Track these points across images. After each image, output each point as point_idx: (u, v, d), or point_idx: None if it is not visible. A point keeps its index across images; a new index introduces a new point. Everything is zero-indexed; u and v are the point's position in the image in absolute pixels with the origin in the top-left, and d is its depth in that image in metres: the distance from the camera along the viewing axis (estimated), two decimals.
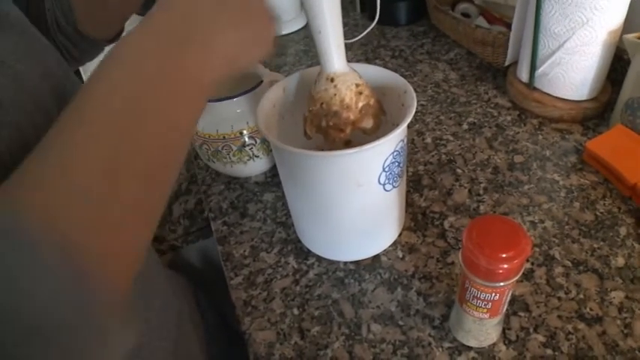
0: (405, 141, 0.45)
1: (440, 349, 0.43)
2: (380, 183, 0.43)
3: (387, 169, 0.43)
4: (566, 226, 0.52)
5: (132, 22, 0.70)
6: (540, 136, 0.64)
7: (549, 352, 0.41)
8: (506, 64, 0.73)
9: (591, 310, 0.44)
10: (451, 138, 0.66)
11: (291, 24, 0.99)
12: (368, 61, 0.87)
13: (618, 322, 0.43)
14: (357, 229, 0.48)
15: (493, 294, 0.36)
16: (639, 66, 0.56)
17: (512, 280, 0.35)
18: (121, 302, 0.24)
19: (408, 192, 0.58)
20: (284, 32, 0.97)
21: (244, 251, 0.55)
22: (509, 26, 0.73)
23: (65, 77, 0.36)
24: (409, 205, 0.57)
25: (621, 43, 0.58)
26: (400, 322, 0.45)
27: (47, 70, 0.34)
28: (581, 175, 0.58)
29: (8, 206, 0.21)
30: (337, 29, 0.41)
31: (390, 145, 0.42)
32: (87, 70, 0.76)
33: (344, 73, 0.43)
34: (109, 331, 0.23)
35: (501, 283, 0.35)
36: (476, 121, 0.69)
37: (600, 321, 0.43)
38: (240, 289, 0.51)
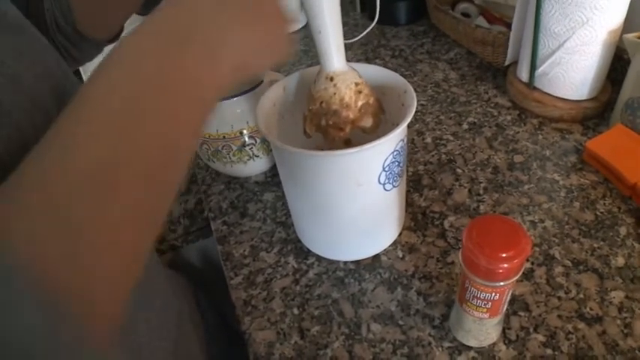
0: (405, 141, 0.45)
1: (440, 349, 0.43)
2: (380, 182, 0.43)
3: (387, 169, 0.43)
4: (566, 226, 0.52)
5: (132, 22, 0.70)
6: (540, 136, 0.64)
7: (549, 351, 0.41)
8: (506, 63, 0.73)
9: (591, 309, 0.44)
10: (451, 138, 0.66)
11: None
12: (368, 60, 0.87)
13: (618, 321, 0.43)
14: (357, 229, 0.48)
15: (493, 294, 0.36)
16: (639, 65, 0.56)
17: (512, 280, 0.35)
18: (109, 331, 0.23)
19: (408, 192, 0.58)
20: None
21: (244, 251, 0.55)
22: (509, 26, 0.73)
23: (64, 77, 0.36)
24: (409, 204, 0.57)
25: (621, 43, 0.58)
26: (400, 322, 0.45)
27: (46, 70, 0.34)
28: (581, 174, 0.58)
29: None
30: (337, 29, 0.41)
31: (390, 145, 0.42)
32: (87, 70, 0.76)
33: (343, 72, 0.43)
34: None
35: (501, 283, 0.35)
36: (476, 120, 0.69)
37: (600, 321, 0.43)
38: (240, 289, 0.51)
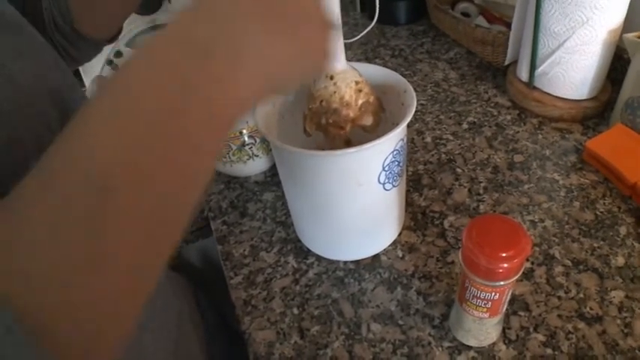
0: (405, 140, 0.45)
1: (440, 349, 0.43)
2: (380, 182, 0.43)
3: (386, 169, 0.43)
4: (566, 226, 0.52)
5: (130, 22, 0.70)
6: (540, 136, 0.64)
7: (549, 351, 0.41)
8: (506, 63, 0.73)
9: (591, 309, 0.44)
10: (451, 137, 0.66)
11: None
12: (368, 60, 0.87)
13: (618, 321, 0.43)
14: (357, 229, 0.48)
15: (493, 293, 0.36)
16: (639, 65, 0.56)
17: (512, 280, 0.35)
18: None
19: (407, 191, 0.58)
20: None
21: (244, 251, 0.55)
22: (509, 25, 0.73)
23: (63, 77, 0.36)
24: (409, 204, 0.57)
25: (621, 43, 0.58)
26: (400, 322, 0.45)
27: (44, 70, 0.34)
28: (581, 174, 0.58)
29: None
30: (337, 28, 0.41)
31: (389, 144, 0.42)
32: (86, 70, 0.76)
33: (343, 71, 0.42)
34: None
35: (501, 283, 0.35)
36: (476, 120, 0.69)
37: (600, 320, 0.43)
38: (240, 289, 0.51)
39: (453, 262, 0.50)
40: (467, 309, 0.39)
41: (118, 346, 0.21)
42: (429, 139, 0.67)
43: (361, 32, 0.92)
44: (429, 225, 0.54)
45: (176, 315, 0.51)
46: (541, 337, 0.42)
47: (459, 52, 0.86)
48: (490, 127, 0.67)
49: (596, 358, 0.41)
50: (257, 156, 0.61)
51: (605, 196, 0.55)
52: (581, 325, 0.43)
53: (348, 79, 0.42)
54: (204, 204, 0.63)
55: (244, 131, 0.58)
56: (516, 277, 0.35)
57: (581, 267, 0.48)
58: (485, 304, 0.37)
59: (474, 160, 0.62)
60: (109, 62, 0.75)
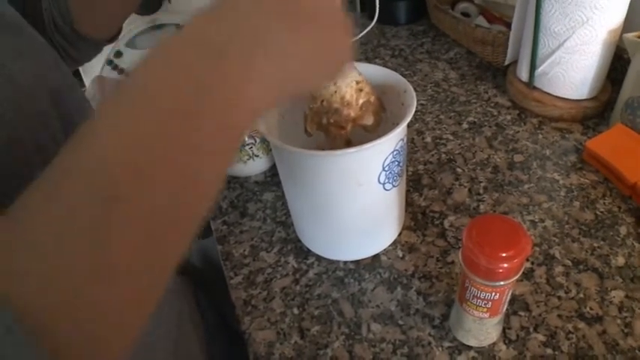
0: (405, 140, 0.45)
1: (440, 349, 0.43)
2: (380, 182, 0.43)
3: (386, 169, 0.43)
4: (566, 226, 0.52)
5: (131, 22, 0.70)
6: (540, 136, 0.64)
7: (549, 351, 0.41)
8: (506, 63, 0.73)
9: (591, 309, 0.44)
10: (451, 137, 0.66)
11: None
12: (368, 60, 0.87)
13: (618, 321, 0.43)
14: (357, 229, 0.48)
15: (493, 293, 0.36)
16: (639, 65, 0.56)
17: (512, 280, 0.35)
18: None
19: (407, 191, 0.58)
20: None
21: (244, 251, 0.55)
22: (509, 25, 0.73)
23: (63, 77, 0.36)
24: (409, 204, 0.57)
25: (621, 42, 0.58)
26: (400, 322, 0.45)
27: (44, 70, 0.34)
28: (581, 174, 0.58)
29: None
30: None
31: (389, 144, 0.42)
32: (86, 70, 0.76)
33: None
34: None
35: (501, 283, 0.35)
36: (476, 120, 0.69)
37: (600, 320, 0.43)
38: (240, 289, 0.51)
39: (453, 262, 0.50)
40: (467, 309, 0.39)
41: (123, 354, 0.21)
42: (429, 139, 0.67)
43: (361, 32, 0.92)
44: (429, 225, 0.54)
45: (176, 315, 0.51)
46: (541, 337, 0.42)
47: (459, 52, 0.86)
48: (490, 127, 0.67)
49: (596, 358, 0.41)
50: (257, 156, 0.61)
51: (605, 196, 0.55)
52: (582, 325, 0.43)
53: (349, 78, 0.42)
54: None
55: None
56: (516, 277, 0.35)
57: (581, 267, 0.48)
58: (485, 304, 0.37)
59: (474, 160, 0.62)
60: (109, 62, 0.75)
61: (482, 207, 0.55)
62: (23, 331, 0.17)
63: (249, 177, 0.65)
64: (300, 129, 0.47)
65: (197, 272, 0.76)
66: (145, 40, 0.74)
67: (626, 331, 0.42)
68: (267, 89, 0.23)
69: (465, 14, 0.90)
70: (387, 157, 0.42)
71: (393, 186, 0.46)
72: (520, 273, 0.35)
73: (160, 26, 0.73)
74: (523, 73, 0.68)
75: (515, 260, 0.33)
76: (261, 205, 0.60)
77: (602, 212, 0.53)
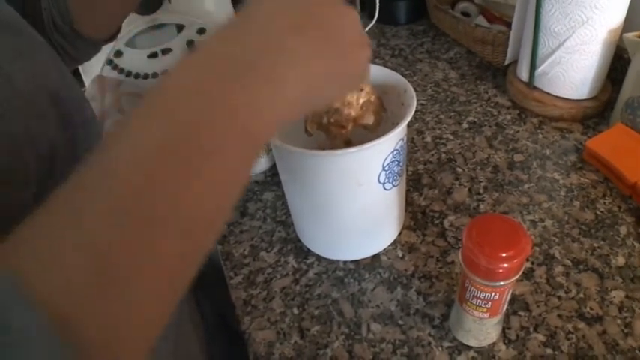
0: (405, 140, 0.45)
1: (440, 349, 0.43)
2: (380, 182, 0.43)
3: (386, 168, 0.43)
4: (566, 225, 0.52)
5: (131, 22, 0.70)
6: (540, 135, 0.64)
7: (549, 351, 0.41)
8: (506, 63, 0.73)
9: (591, 309, 0.44)
10: (451, 137, 0.66)
11: None
12: None
13: (618, 321, 0.43)
14: (357, 229, 0.48)
15: (493, 293, 0.36)
16: (639, 65, 0.56)
17: (512, 280, 0.35)
18: None
19: (407, 191, 0.58)
20: None
21: (244, 250, 0.55)
22: (509, 25, 0.73)
23: (62, 77, 0.36)
24: (409, 204, 0.57)
25: (621, 42, 0.58)
26: (400, 322, 0.45)
27: (44, 70, 0.34)
28: (581, 174, 0.58)
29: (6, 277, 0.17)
30: None
31: (390, 144, 0.42)
32: (86, 70, 0.76)
33: None
34: None
35: (501, 283, 0.35)
36: (476, 120, 0.69)
37: (600, 320, 0.43)
38: (240, 289, 0.51)
39: (453, 262, 0.50)
40: (467, 309, 0.39)
41: (145, 353, 0.21)
42: (429, 139, 0.67)
43: None
44: (429, 225, 0.54)
45: (176, 315, 0.51)
46: (541, 337, 0.42)
47: (459, 52, 0.86)
48: (490, 126, 0.67)
49: (596, 358, 0.41)
50: None
51: (605, 195, 0.55)
52: (581, 325, 0.43)
53: None
54: None
55: None
56: (516, 277, 0.35)
57: (581, 267, 0.48)
58: (485, 304, 0.37)
59: (474, 160, 0.62)
60: (109, 62, 0.75)
61: (482, 207, 0.55)
62: (52, 329, 0.17)
63: (249, 177, 0.65)
64: (300, 129, 0.47)
65: (197, 272, 0.75)
66: (145, 40, 0.73)
67: (626, 331, 0.42)
68: (290, 103, 0.24)
69: (465, 14, 0.90)
70: (387, 157, 0.42)
71: (393, 186, 0.46)
72: (520, 273, 0.35)
73: (160, 26, 0.73)
74: (523, 73, 0.68)
75: (515, 260, 0.33)
76: (261, 205, 0.60)
77: (602, 212, 0.53)
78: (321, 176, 0.43)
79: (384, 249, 0.52)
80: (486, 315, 0.38)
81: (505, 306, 0.39)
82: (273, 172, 0.65)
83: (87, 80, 0.75)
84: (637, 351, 0.41)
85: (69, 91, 0.36)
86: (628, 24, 0.59)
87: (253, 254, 0.54)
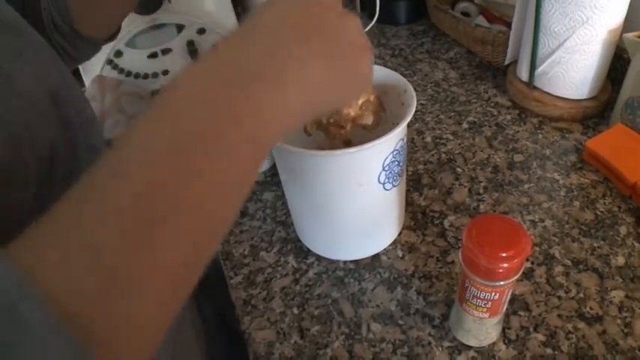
0: (405, 140, 0.45)
1: (440, 349, 0.43)
2: (380, 182, 0.43)
3: (386, 168, 0.43)
4: (566, 225, 0.52)
5: (130, 22, 0.70)
6: (540, 135, 0.64)
7: (549, 351, 0.41)
8: (506, 63, 0.73)
9: (591, 309, 0.44)
10: (451, 137, 0.66)
11: None
12: None
13: (618, 321, 0.43)
14: (357, 229, 0.48)
15: (493, 293, 0.36)
16: (639, 65, 0.56)
17: (512, 280, 0.35)
18: None
19: (407, 191, 0.58)
20: None
21: (244, 250, 0.55)
22: (509, 25, 0.73)
23: (62, 77, 0.36)
24: (409, 204, 0.57)
25: (621, 42, 0.58)
26: (400, 322, 0.45)
27: (43, 70, 0.34)
28: (581, 174, 0.58)
29: (16, 274, 0.18)
30: None
31: (390, 144, 0.42)
32: (86, 69, 0.76)
33: None
34: None
35: (501, 283, 0.35)
36: (476, 120, 0.69)
37: (600, 320, 0.43)
38: (240, 289, 0.51)
39: (453, 262, 0.50)
40: (467, 309, 0.39)
41: (146, 352, 0.21)
42: (429, 139, 0.67)
43: None
44: (429, 225, 0.54)
45: (175, 315, 0.51)
46: (541, 337, 0.42)
47: (459, 52, 0.86)
48: (490, 126, 0.67)
49: (596, 358, 0.41)
50: None
51: (605, 195, 0.55)
52: (581, 325, 0.43)
53: None
54: None
55: None
56: (516, 277, 0.35)
57: (581, 267, 0.48)
58: (485, 304, 0.37)
59: (474, 160, 0.62)
60: (109, 62, 0.75)
61: (482, 207, 0.55)
62: (63, 327, 0.17)
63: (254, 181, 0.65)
64: (300, 129, 0.47)
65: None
66: (145, 40, 0.73)
67: (626, 331, 0.42)
68: (294, 111, 0.24)
69: (465, 14, 0.90)
70: (387, 157, 0.42)
71: (393, 186, 0.46)
72: (520, 273, 0.35)
73: (160, 26, 0.73)
74: (523, 73, 0.68)
75: (515, 260, 0.33)
76: (261, 205, 0.60)
77: (602, 212, 0.53)
78: (321, 176, 0.43)
79: (384, 249, 0.52)
80: (486, 315, 0.38)
81: (505, 306, 0.39)
82: (273, 172, 0.65)
83: (87, 80, 0.75)
84: (637, 351, 0.41)
85: (69, 91, 0.36)
86: (628, 24, 0.59)
87: (253, 254, 0.54)
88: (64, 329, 0.17)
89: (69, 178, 0.32)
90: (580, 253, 0.49)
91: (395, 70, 0.48)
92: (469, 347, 0.42)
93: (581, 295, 0.45)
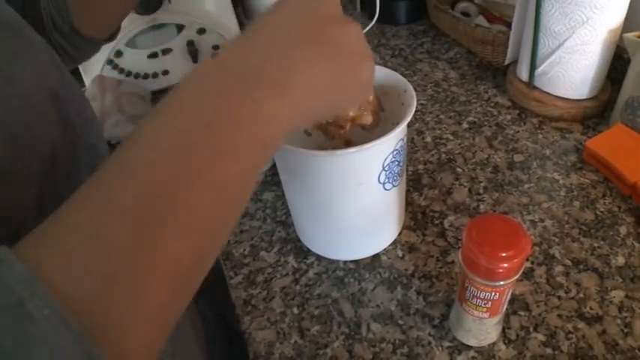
0: (405, 140, 0.45)
1: (440, 349, 0.43)
2: (380, 182, 0.43)
3: (386, 168, 0.43)
4: (566, 225, 0.52)
5: (131, 22, 0.70)
6: (540, 135, 0.64)
7: (549, 351, 0.41)
8: (506, 63, 0.73)
9: (591, 309, 0.44)
10: (451, 137, 0.66)
11: None
12: None
13: (618, 321, 0.43)
14: (357, 228, 0.48)
15: (493, 293, 0.36)
16: (639, 65, 0.56)
17: (512, 280, 0.35)
18: None
19: (407, 191, 0.58)
20: None
21: (244, 250, 0.55)
22: (509, 25, 0.73)
23: (62, 77, 0.36)
24: (409, 204, 0.57)
25: (621, 42, 0.58)
26: (400, 322, 0.45)
27: (43, 70, 0.34)
28: (581, 174, 0.58)
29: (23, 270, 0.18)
30: None
31: (390, 144, 0.42)
32: (86, 69, 0.76)
33: None
34: None
35: (501, 282, 0.35)
36: (476, 120, 0.69)
37: (600, 320, 0.43)
38: (240, 289, 0.51)
39: (453, 262, 0.50)
40: (467, 309, 0.39)
41: (154, 349, 0.21)
42: (429, 139, 0.67)
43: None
44: (429, 225, 0.54)
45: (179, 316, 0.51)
46: (541, 337, 0.42)
47: (459, 52, 0.86)
48: (490, 126, 0.67)
49: (596, 358, 0.41)
50: None
51: (605, 195, 0.55)
52: (581, 324, 0.43)
53: None
54: None
55: None
56: (516, 277, 0.35)
57: (581, 267, 0.48)
58: (485, 304, 0.37)
59: (474, 160, 0.62)
60: (109, 62, 0.75)
61: (482, 207, 0.55)
62: (71, 321, 0.17)
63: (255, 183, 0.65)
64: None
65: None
66: (145, 40, 0.73)
67: (625, 331, 0.42)
68: (294, 115, 0.25)
69: (465, 14, 0.90)
70: (387, 157, 0.42)
71: (393, 186, 0.46)
72: (520, 273, 0.35)
73: (160, 26, 0.73)
74: (523, 73, 0.68)
75: (515, 260, 0.33)
76: (261, 205, 0.60)
77: (602, 212, 0.53)
78: (321, 176, 0.43)
79: (384, 249, 0.52)
80: (486, 315, 0.38)
81: (505, 306, 0.39)
82: (273, 172, 0.65)
83: (87, 80, 0.75)
84: (637, 351, 0.41)
85: (69, 91, 0.36)
86: (628, 24, 0.59)
87: (253, 254, 0.54)
88: (72, 326, 0.17)
89: (69, 177, 0.32)
90: (580, 253, 0.49)
91: (395, 70, 0.48)
92: (469, 347, 0.42)
93: (581, 295, 0.45)
